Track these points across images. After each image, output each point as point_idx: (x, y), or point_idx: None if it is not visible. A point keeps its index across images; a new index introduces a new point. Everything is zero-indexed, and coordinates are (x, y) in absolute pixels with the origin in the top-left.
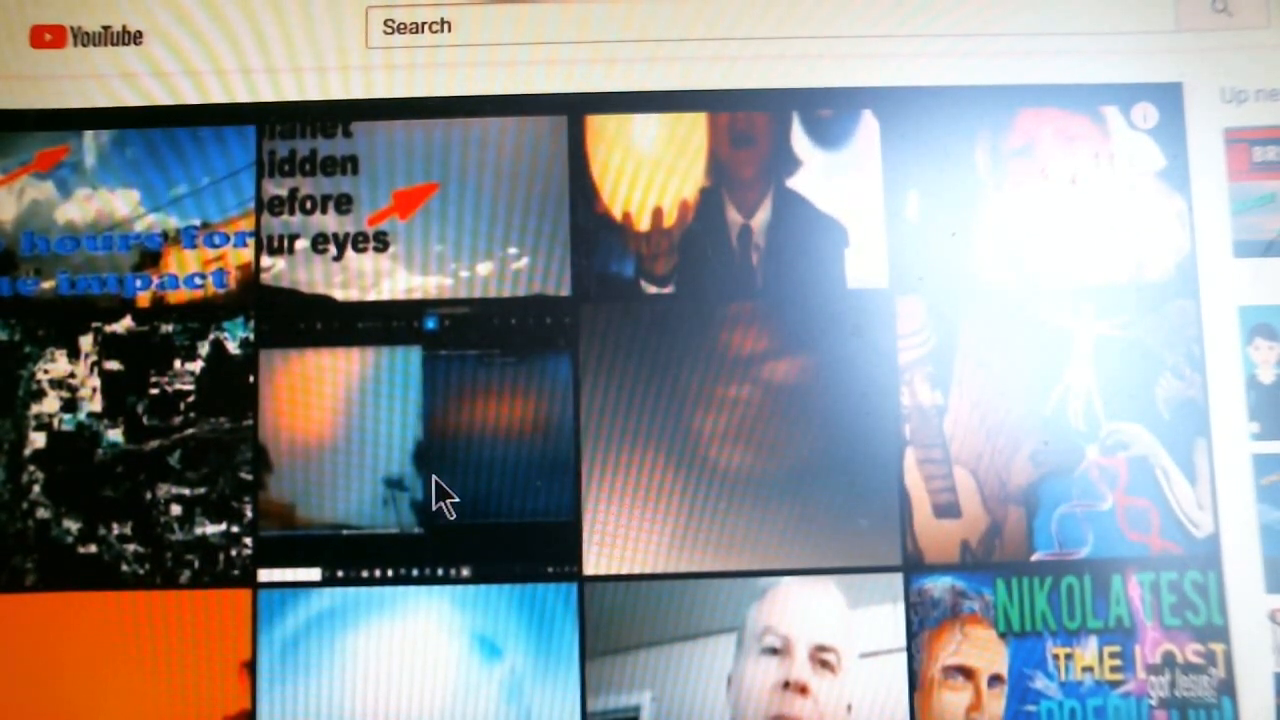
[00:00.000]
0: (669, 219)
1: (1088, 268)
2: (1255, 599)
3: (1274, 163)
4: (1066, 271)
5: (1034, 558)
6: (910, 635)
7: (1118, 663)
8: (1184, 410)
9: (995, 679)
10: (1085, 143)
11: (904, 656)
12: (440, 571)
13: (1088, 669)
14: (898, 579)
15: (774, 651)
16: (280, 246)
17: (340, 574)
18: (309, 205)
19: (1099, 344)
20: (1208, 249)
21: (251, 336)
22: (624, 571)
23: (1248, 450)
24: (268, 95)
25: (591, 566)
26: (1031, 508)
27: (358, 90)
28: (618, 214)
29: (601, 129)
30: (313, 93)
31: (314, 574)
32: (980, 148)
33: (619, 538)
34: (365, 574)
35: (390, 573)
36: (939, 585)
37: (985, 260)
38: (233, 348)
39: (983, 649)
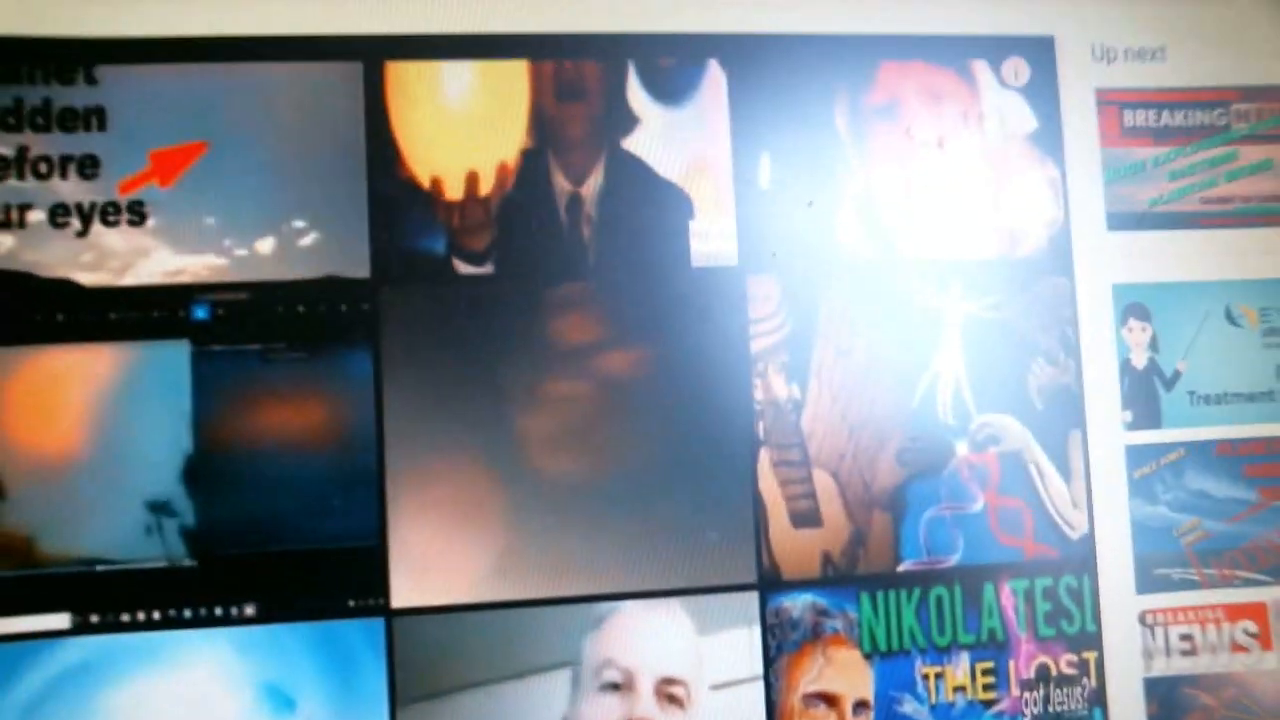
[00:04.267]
0: (485, 185)
1: (956, 241)
2: (1126, 601)
3: (1144, 128)
4: (933, 245)
5: (901, 568)
6: (767, 661)
7: (991, 680)
8: (1058, 400)
9: (861, 705)
10: (953, 101)
11: (761, 686)
12: (219, 611)
13: (959, 689)
14: (753, 599)
15: (615, 687)
16: (8, 219)
17: (95, 619)
18: (43, 168)
19: (967, 326)
20: (1081, 220)
21: None
22: (438, 603)
23: (1121, 441)
24: None
25: (400, 598)
26: (898, 512)
27: (102, 26)
28: (424, 179)
29: (404, 79)
30: (42, 26)
31: (61, 621)
32: (839, 105)
33: (431, 563)
34: (126, 618)
35: (158, 615)
36: (798, 604)
37: (845, 233)
38: None
39: (847, 673)
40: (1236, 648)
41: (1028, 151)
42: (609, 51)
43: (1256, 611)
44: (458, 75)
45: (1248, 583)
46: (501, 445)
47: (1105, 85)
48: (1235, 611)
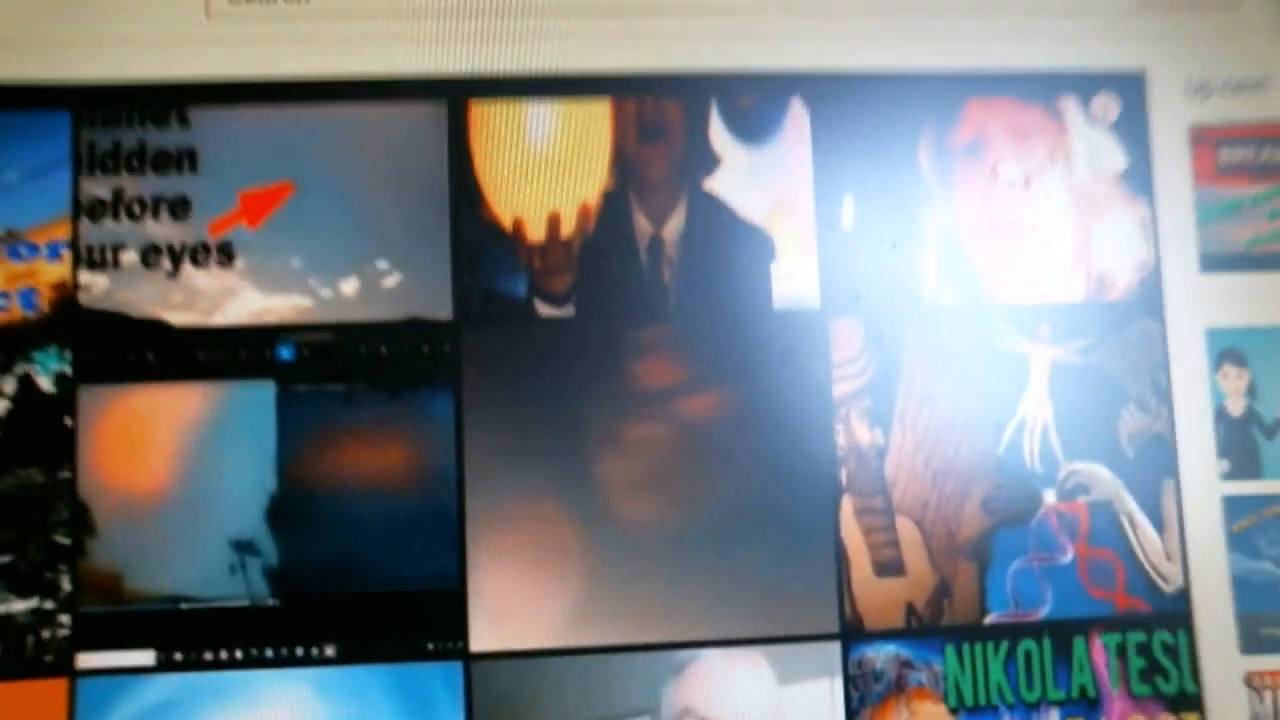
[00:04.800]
0: (567, 227)
1: (1042, 284)
2: (1230, 661)
3: (1241, 165)
4: (1019, 288)
5: (988, 620)
6: (850, 713)
7: None
8: (1150, 448)
9: None
10: (1040, 139)
11: None
12: (300, 651)
13: None
14: (834, 649)
15: None
16: (102, 260)
17: (179, 657)
18: (137, 209)
19: (1055, 372)
20: (1173, 262)
21: (68, 370)
22: (517, 647)
23: (1218, 492)
24: (85, 74)
25: (479, 642)
26: (984, 562)
27: (196, 70)
28: (507, 221)
29: (488, 119)
30: (140, 71)
31: (147, 657)
32: (924, 144)
33: (511, 607)
34: (209, 656)
35: (240, 654)
36: (881, 655)
37: (929, 275)
38: (45, 384)
39: None
40: None
41: (1117, 191)
42: (690, 91)
43: None
44: (541, 115)
45: None
46: (581, 489)
47: (1200, 121)
48: None
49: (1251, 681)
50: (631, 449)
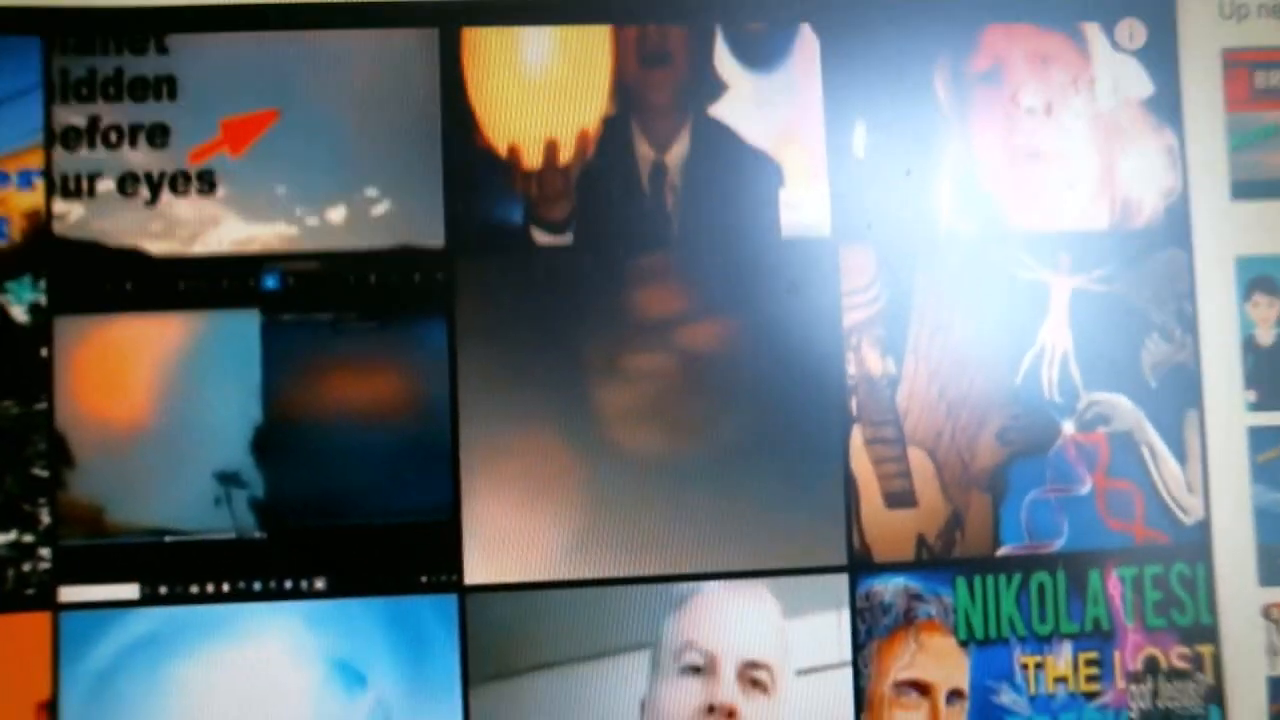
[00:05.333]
0: (565, 153)
1: (1063, 212)
2: (1248, 593)
3: (1279, 89)
4: (1039, 216)
5: (1000, 552)
6: (857, 647)
7: (1094, 671)
8: (1173, 378)
9: (955, 694)
10: (1062, 65)
11: (849, 672)
12: (289, 584)
13: (1060, 679)
14: (842, 581)
15: (696, 670)
16: (77, 188)
17: (163, 590)
18: (114, 137)
19: (1076, 301)
20: (1201, 190)
21: (43, 301)
22: (513, 580)
23: (1243, 422)
24: None
25: (474, 574)
26: (998, 494)
27: None
28: (502, 147)
29: (481, 44)
30: None
31: (130, 591)
32: (940, 71)
33: (507, 539)
34: (195, 589)
35: (226, 587)
36: (890, 587)
37: (945, 204)
38: (19, 314)
39: (940, 660)
40: None
41: (1142, 117)
42: (695, 15)
43: None
44: (537, 41)
45: None
46: (579, 419)
47: (1234, 45)
48: None
49: (1269, 613)
50: (632, 378)
